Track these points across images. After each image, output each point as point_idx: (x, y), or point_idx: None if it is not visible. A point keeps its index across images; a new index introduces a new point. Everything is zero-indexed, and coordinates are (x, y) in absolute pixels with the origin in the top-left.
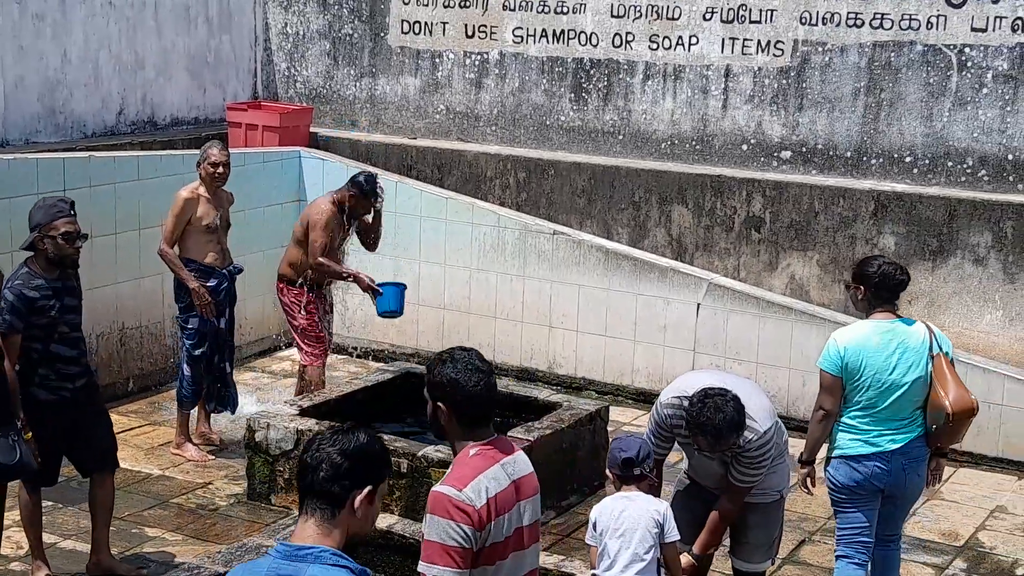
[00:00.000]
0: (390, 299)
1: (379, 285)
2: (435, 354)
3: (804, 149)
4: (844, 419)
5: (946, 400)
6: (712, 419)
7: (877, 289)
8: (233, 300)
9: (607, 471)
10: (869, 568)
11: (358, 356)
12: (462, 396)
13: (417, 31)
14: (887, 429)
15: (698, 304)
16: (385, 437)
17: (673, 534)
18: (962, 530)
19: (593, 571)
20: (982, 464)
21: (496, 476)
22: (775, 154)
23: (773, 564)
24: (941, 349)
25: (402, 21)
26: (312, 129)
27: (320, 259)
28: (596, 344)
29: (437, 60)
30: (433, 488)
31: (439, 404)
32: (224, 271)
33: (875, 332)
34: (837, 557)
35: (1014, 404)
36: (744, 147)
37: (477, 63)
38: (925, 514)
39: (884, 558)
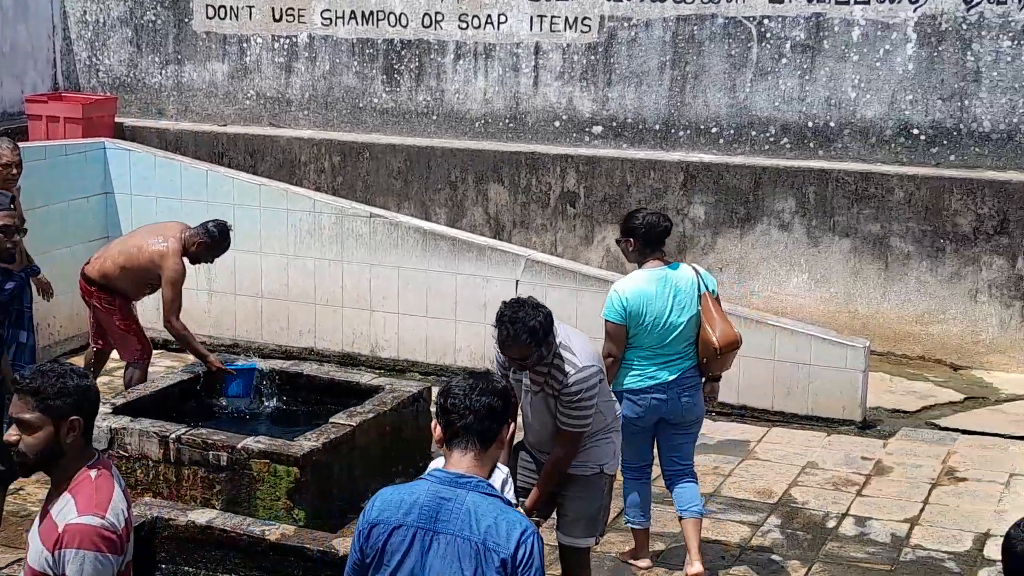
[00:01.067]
0: (240, 385)
1: (230, 366)
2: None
3: (614, 124)
4: (626, 359)
5: (713, 336)
6: (516, 315)
7: (645, 239)
8: (30, 301)
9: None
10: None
11: (174, 350)
12: (93, 404)
13: (223, 16)
14: (662, 363)
15: (517, 281)
16: (203, 431)
17: (510, 497)
18: (776, 487)
19: None
20: (793, 423)
21: (120, 495)
22: (587, 129)
23: (598, 543)
24: (707, 288)
25: (207, 6)
26: (117, 119)
27: (181, 327)
28: (417, 325)
29: (245, 45)
30: (70, 521)
31: (72, 418)
32: (20, 273)
33: (651, 279)
34: (625, 480)
35: (821, 363)
36: (556, 123)
37: (286, 47)
38: (740, 474)
39: (684, 492)
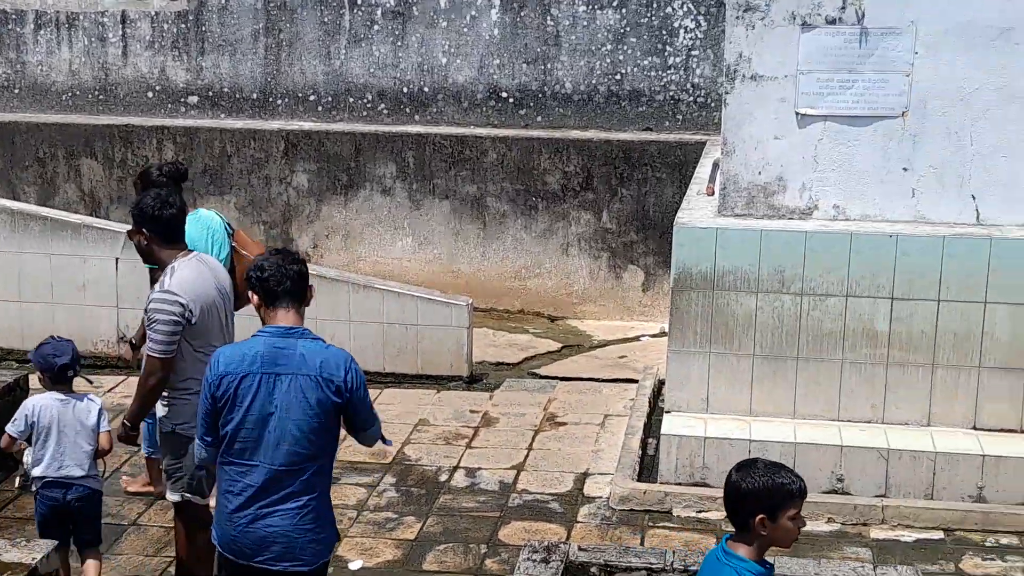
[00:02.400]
0: None
1: None
2: None
3: (211, 93)
4: None
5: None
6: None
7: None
8: None
9: (39, 373)
10: None
11: None
12: None
13: None
14: None
15: (117, 258)
16: None
17: (105, 425)
18: (390, 447)
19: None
20: (404, 383)
21: None
22: (182, 100)
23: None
24: (233, 228)
25: None
26: None
27: None
28: (11, 311)
29: None
30: None
31: None
32: None
33: (188, 222)
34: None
35: (427, 323)
36: (150, 94)
37: None
38: None
39: None
